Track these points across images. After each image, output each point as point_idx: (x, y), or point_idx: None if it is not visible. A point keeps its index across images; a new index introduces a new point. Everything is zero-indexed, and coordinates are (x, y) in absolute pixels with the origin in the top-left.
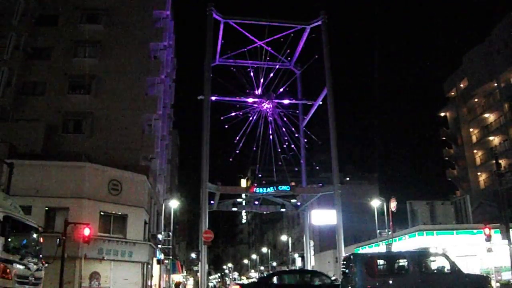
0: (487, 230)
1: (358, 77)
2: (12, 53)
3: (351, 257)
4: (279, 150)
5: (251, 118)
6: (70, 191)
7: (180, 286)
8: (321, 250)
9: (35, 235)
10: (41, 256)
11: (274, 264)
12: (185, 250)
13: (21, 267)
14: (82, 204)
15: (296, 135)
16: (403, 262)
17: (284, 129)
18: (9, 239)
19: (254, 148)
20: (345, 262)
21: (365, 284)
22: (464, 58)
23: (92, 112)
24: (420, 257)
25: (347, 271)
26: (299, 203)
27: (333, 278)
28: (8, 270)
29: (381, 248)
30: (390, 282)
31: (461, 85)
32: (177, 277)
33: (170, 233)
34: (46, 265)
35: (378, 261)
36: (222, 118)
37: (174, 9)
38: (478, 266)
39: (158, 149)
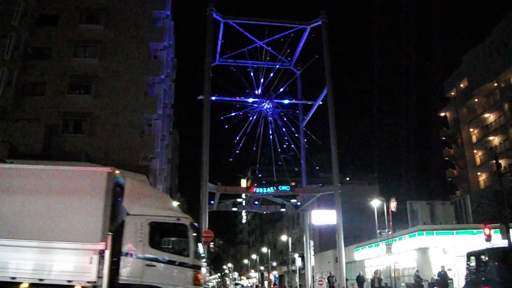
0: (487, 230)
1: (358, 77)
2: (12, 53)
3: (485, 253)
4: (279, 150)
5: (251, 118)
6: None
7: None
8: (321, 250)
9: (200, 240)
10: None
11: (274, 264)
12: None
13: (204, 272)
14: None
15: (296, 135)
16: None
17: (284, 129)
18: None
19: (254, 148)
20: (473, 259)
21: (506, 279)
22: (464, 58)
23: (92, 112)
24: None
25: (476, 267)
26: (299, 203)
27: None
28: (199, 276)
29: (381, 248)
30: None
31: (461, 85)
32: None
33: None
34: None
35: None
36: (222, 118)
37: (174, 9)
38: None
39: (158, 149)
